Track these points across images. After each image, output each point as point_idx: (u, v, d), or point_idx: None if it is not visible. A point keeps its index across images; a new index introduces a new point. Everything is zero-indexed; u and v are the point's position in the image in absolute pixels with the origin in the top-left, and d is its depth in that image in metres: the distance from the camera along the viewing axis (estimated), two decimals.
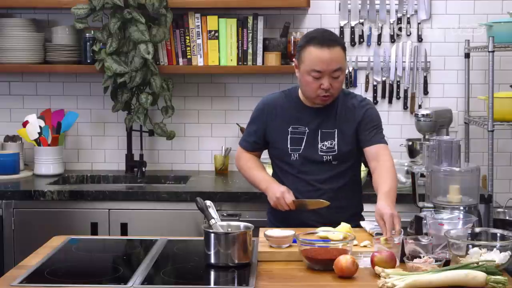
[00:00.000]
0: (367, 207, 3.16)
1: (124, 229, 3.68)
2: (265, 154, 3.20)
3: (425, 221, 2.60)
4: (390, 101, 4.29)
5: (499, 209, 4.01)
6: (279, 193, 2.94)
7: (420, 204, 2.94)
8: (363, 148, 3.00)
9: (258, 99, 3.21)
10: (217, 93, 4.33)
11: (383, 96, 4.28)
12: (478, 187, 2.91)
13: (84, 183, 4.18)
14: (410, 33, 4.25)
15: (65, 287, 2.29)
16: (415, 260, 2.35)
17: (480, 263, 2.26)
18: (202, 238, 2.52)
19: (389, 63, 4.26)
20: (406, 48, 4.25)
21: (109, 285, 2.30)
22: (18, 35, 4.14)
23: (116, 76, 4.01)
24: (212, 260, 2.47)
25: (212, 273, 2.47)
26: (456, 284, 2.20)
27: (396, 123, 4.27)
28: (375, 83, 4.28)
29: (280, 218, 3.03)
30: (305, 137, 3.00)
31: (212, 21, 4.14)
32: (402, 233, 2.56)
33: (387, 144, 3.01)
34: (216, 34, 4.15)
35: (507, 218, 3.98)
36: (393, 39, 4.25)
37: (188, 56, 4.17)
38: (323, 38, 2.90)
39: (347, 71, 4.14)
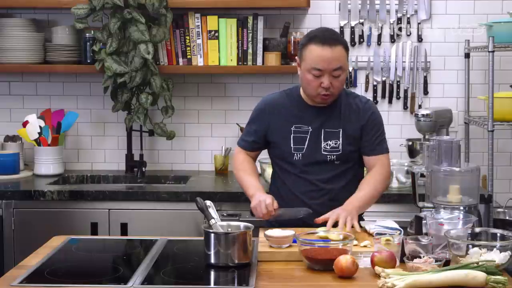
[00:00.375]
0: None
1: (124, 229, 3.68)
2: (265, 154, 3.19)
3: (425, 221, 2.60)
4: (390, 101, 4.28)
5: (499, 209, 4.01)
6: (263, 197, 2.89)
7: (420, 204, 2.93)
8: (363, 155, 3.02)
9: (258, 99, 3.21)
10: (217, 93, 4.33)
11: (383, 96, 4.28)
12: (478, 187, 2.91)
13: (84, 183, 4.17)
14: (410, 33, 4.25)
15: (65, 287, 2.29)
16: (415, 260, 2.35)
17: (480, 263, 2.26)
18: (202, 238, 2.52)
19: (389, 63, 4.26)
20: (406, 48, 4.25)
21: (109, 285, 2.31)
22: (18, 35, 4.14)
23: (116, 76, 4.01)
24: (212, 260, 2.47)
25: (212, 273, 2.47)
26: (456, 284, 2.20)
27: (396, 123, 4.27)
28: (375, 83, 4.28)
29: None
30: (308, 136, 3.00)
31: (212, 21, 4.14)
32: (402, 233, 2.56)
33: (388, 152, 3.04)
34: (216, 34, 4.15)
35: (507, 218, 3.98)
36: (393, 39, 4.25)
37: (188, 56, 4.17)
38: (325, 36, 2.90)
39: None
